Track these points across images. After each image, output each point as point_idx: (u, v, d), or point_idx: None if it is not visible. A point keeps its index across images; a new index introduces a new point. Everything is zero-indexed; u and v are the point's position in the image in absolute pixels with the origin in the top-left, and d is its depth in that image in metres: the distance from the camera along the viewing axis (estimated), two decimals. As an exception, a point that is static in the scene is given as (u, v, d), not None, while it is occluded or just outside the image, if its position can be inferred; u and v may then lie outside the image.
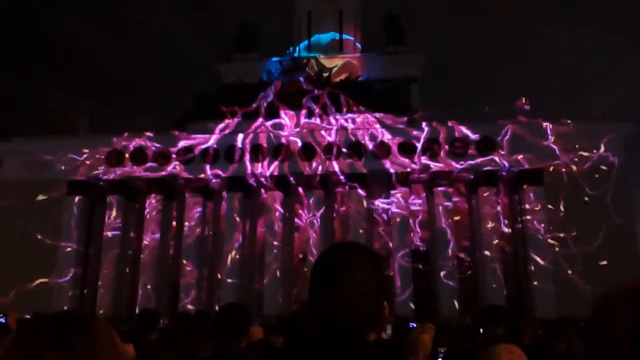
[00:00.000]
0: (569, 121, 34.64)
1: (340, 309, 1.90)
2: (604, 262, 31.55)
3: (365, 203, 35.44)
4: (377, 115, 35.50)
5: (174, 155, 36.21)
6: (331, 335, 1.89)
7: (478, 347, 6.15)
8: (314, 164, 35.07)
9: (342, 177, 35.22)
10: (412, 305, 32.18)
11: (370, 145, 34.78)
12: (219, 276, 35.82)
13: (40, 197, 36.82)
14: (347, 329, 1.89)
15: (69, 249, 36.02)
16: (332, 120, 35.69)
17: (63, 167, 36.98)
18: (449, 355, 7.54)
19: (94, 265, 36.73)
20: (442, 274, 33.35)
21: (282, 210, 35.98)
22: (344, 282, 1.93)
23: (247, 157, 35.60)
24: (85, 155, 37.05)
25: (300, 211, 37.11)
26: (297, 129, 35.75)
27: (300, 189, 36.47)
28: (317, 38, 46.14)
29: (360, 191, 35.18)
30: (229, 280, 34.63)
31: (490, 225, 34.14)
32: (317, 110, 35.98)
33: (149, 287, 35.06)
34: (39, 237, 35.99)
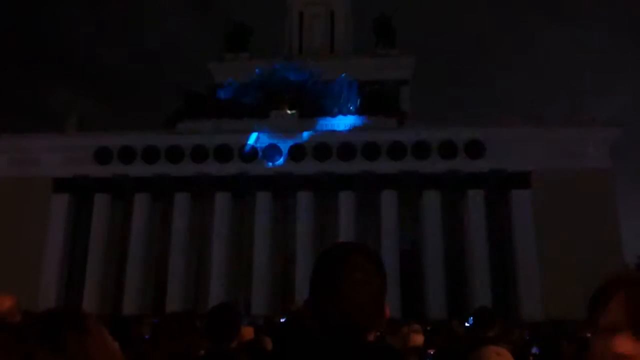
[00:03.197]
0: (557, 126, 35.00)
1: (342, 309, 1.90)
2: (590, 265, 31.85)
3: (355, 204, 35.49)
4: (367, 117, 35.58)
5: (163, 154, 36.00)
6: (333, 334, 1.89)
7: (466, 349, 6.20)
8: (305, 165, 35.06)
9: (332, 178, 35.25)
10: (399, 307, 32.23)
11: (360, 147, 34.85)
12: (207, 276, 35.64)
13: (27, 195, 36.41)
14: (349, 328, 1.89)
15: (55, 247, 35.68)
16: (323, 122, 35.71)
17: (50, 165, 36.61)
18: (437, 356, 7.59)
19: (81, 263, 36.41)
20: (430, 275, 33.49)
21: (271, 211, 35.90)
22: (347, 282, 1.92)
23: (238, 157, 35.51)
24: (73, 153, 36.70)
25: (290, 212, 37.02)
26: (288, 130, 35.69)
27: (291, 190, 36.41)
28: (308, 39, 46.12)
29: (350, 192, 35.24)
30: (216, 280, 34.48)
31: (477, 227, 34.34)
32: (308, 111, 35.97)
33: (135, 285, 34.80)
34: (25, 234, 35.58)
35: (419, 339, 7.37)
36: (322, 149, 35.09)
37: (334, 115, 35.82)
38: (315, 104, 36.05)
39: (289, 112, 35.99)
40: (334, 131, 35.32)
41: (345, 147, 34.91)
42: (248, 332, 7.62)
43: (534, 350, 10.15)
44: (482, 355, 4.87)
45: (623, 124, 35.79)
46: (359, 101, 36.08)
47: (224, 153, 35.58)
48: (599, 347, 1.45)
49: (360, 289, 1.93)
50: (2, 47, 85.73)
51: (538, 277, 32.63)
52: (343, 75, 37.06)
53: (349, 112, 35.81)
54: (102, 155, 36.38)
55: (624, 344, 1.37)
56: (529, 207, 33.96)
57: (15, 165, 36.93)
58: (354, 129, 35.29)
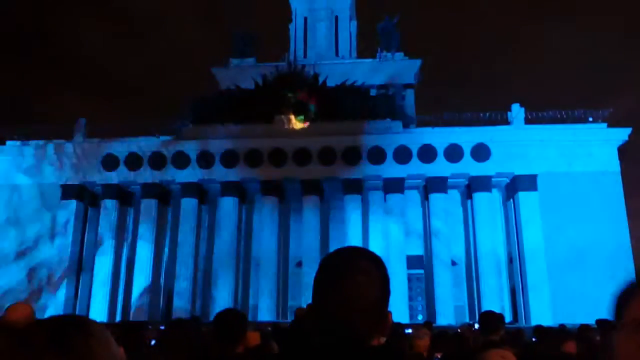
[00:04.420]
0: (564, 127, 34.88)
1: (344, 313, 1.90)
2: (598, 268, 31.69)
3: (361, 208, 35.48)
4: (373, 120, 35.58)
5: (169, 160, 36.17)
6: (335, 339, 1.89)
7: (473, 353, 6.19)
8: (310, 170, 35.10)
9: (338, 183, 35.27)
10: (406, 311, 32.17)
11: (365, 151, 34.86)
12: (214, 281, 35.72)
13: (35, 201, 36.66)
14: (351, 333, 1.89)
15: (63, 254, 35.84)
16: (328, 126, 35.75)
17: (58, 172, 36.84)
18: (444, 360, 7.57)
19: (89, 269, 36.58)
20: (437, 279, 33.39)
21: (277, 216, 35.94)
22: (349, 286, 1.92)
23: (243, 162, 35.60)
24: (80, 160, 36.91)
25: (296, 216, 37.06)
26: (293, 135, 35.76)
27: (296, 194, 36.47)
28: (313, 43, 46.28)
29: (356, 196, 35.23)
30: (223, 286, 34.55)
31: (485, 231, 34.22)
32: (312, 116, 36.04)
33: (143, 292, 34.92)
34: (34, 241, 35.79)
35: (423, 344, 7.35)
36: (326, 153, 35.10)
37: (340, 119, 35.82)
38: (320, 109, 36.06)
39: (293, 117, 36.02)
40: (338, 135, 35.27)
41: (350, 151, 34.90)
42: (254, 338, 7.63)
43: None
44: (486, 359, 4.85)
45: (631, 125, 35.54)
46: (363, 105, 36.07)
47: (229, 158, 35.67)
48: (623, 342, 1.47)
49: (362, 292, 1.93)
50: (8, 53, 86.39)
51: (546, 280, 32.44)
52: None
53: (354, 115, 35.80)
54: (109, 162, 36.57)
55: None
56: (536, 210, 33.79)
57: (23, 172, 37.19)
58: (358, 134, 35.26)
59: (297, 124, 35.97)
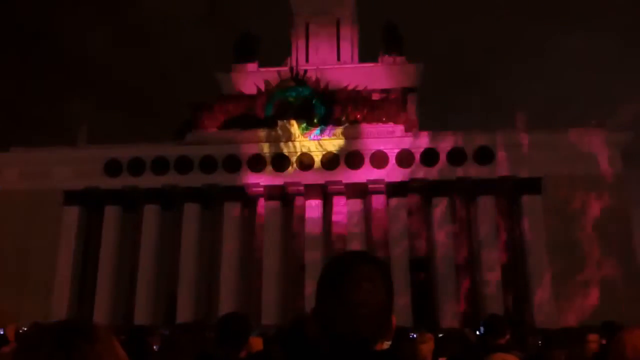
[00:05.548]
0: (567, 131, 34.83)
1: (348, 319, 1.89)
2: (603, 270, 31.57)
3: (364, 212, 35.44)
4: (375, 124, 35.60)
5: (172, 165, 36.24)
6: (338, 345, 1.88)
7: (478, 357, 6.15)
8: (313, 174, 35.11)
9: (341, 187, 35.25)
10: (410, 316, 32.04)
11: (368, 155, 34.86)
12: (217, 286, 35.68)
13: (38, 207, 36.74)
14: (355, 339, 1.88)
15: (66, 259, 35.89)
16: (330, 130, 35.78)
17: (61, 178, 36.94)
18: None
19: (92, 275, 36.60)
20: (441, 283, 33.28)
21: (280, 220, 35.94)
22: (353, 292, 1.91)
23: (246, 167, 35.65)
24: (83, 166, 37.02)
25: (299, 220, 37.04)
26: (296, 139, 35.80)
27: (299, 199, 36.47)
28: (314, 48, 46.34)
29: (359, 200, 35.21)
30: (227, 290, 34.51)
31: (488, 234, 34.12)
32: (315, 120, 36.09)
33: (146, 297, 34.91)
34: (37, 247, 35.86)
35: (427, 348, 7.31)
36: (330, 157, 35.13)
37: (341, 124, 35.83)
38: (322, 114, 36.11)
39: (296, 122, 36.08)
40: (340, 140, 35.32)
41: (353, 155, 34.91)
42: (257, 343, 7.59)
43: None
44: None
45: (635, 129, 35.49)
46: (365, 110, 36.12)
47: (232, 163, 35.73)
48: None
49: (366, 298, 1.92)
50: (8, 54, 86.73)
51: (550, 283, 32.31)
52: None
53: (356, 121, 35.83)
54: (112, 167, 36.66)
55: None
56: (540, 213, 33.71)
57: (26, 179, 37.30)
58: (361, 138, 35.27)
59: (299, 129, 36.03)
